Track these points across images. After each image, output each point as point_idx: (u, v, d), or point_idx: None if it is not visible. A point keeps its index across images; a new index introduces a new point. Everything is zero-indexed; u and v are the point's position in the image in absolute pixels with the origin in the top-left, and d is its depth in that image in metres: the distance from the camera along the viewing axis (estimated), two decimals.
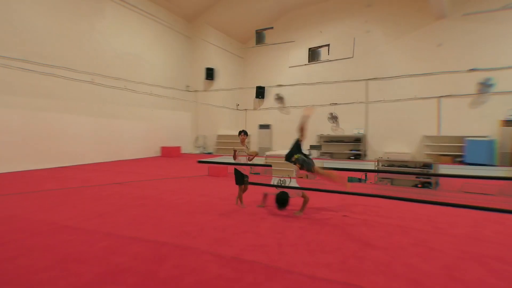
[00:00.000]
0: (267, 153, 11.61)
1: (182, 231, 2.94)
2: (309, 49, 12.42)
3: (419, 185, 5.52)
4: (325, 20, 12.00)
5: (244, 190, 4.35)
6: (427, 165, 5.38)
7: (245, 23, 12.43)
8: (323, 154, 11.18)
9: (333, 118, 12.05)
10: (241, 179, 4.34)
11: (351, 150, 10.81)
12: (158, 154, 11.63)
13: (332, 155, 11.12)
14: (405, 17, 10.29)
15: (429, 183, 5.46)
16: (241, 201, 4.22)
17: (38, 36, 7.50)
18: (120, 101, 10.01)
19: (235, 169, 4.48)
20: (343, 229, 3.07)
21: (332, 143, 11.11)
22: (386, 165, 5.82)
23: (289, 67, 12.93)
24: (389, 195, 4.59)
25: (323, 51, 11.58)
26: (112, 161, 9.44)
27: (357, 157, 10.59)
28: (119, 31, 9.96)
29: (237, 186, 4.31)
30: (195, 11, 12.96)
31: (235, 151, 4.53)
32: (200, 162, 9.27)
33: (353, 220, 3.39)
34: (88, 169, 7.69)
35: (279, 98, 11.93)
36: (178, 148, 11.70)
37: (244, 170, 4.46)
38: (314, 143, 11.50)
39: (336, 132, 11.89)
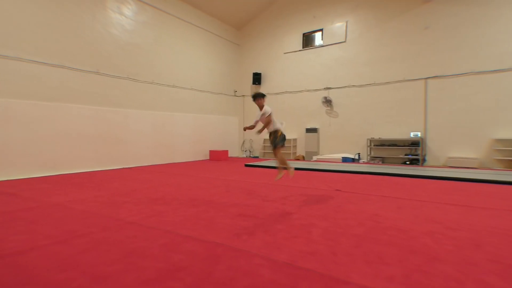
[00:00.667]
0: (315, 157, 11.55)
1: (232, 233, 2.99)
2: (303, 34, 12.20)
3: None
4: (318, 6, 11.85)
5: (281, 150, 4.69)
6: None
7: (240, 7, 12.52)
8: (373, 158, 10.59)
9: (327, 102, 11.56)
10: (281, 140, 4.65)
11: (406, 155, 10.07)
12: (207, 157, 12.08)
13: (383, 160, 10.48)
14: (394, 0, 10.19)
15: None
16: (284, 168, 4.67)
17: (108, 50, 8.33)
18: (172, 107, 10.65)
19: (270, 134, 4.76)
20: (405, 239, 2.86)
21: (384, 147, 10.48)
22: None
23: (284, 53, 12.76)
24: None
25: (317, 36, 11.82)
26: (165, 164, 10.05)
27: (414, 162, 9.82)
28: (175, 41, 10.62)
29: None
30: (243, 19, 13.31)
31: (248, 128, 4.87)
32: (247, 166, 9.49)
33: (415, 231, 3.13)
34: (146, 170, 8.30)
35: (327, 101, 11.63)
36: (225, 152, 12.03)
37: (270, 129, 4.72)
38: (364, 147, 10.96)
39: (332, 116, 11.53)
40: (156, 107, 9.98)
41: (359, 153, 10.90)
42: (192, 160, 11.45)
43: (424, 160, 9.78)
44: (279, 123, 4.74)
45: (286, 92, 12.78)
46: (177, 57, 10.75)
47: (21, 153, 6.63)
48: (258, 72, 13.39)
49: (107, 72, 8.39)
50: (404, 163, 9.99)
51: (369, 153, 10.76)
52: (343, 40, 11.33)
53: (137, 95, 9.30)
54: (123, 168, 8.69)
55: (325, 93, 11.81)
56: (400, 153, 10.21)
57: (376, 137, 10.66)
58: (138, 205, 4.15)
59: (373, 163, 10.18)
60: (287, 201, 4.52)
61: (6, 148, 6.38)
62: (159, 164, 9.82)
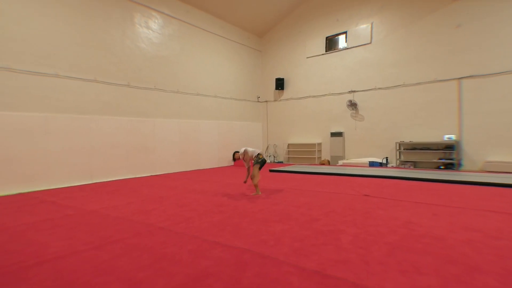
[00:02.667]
0: (341, 161, 11.31)
1: (259, 240, 2.99)
2: (326, 38, 12.02)
3: None
4: (341, 8, 11.63)
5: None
6: None
7: (261, 15, 12.60)
8: (403, 163, 10.18)
9: (352, 105, 11.20)
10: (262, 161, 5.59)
11: (440, 159, 9.58)
12: (231, 163, 12.19)
13: (415, 165, 10.04)
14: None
15: None
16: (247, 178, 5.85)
17: (137, 63, 8.74)
18: (197, 115, 10.90)
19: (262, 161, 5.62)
20: (442, 248, 2.71)
21: (415, 151, 10.04)
22: None
23: (307, 57, 12.61)
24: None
25: (340, 39, 11.62)
26: (191, 170, 10.28)
27: (449, 167, 9.31)
28: (199, 51, 10.94)
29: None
30: (265, 27, 13.46)
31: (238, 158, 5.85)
32: (272, 171, 9.47)
33: (453, 240, 2.97)
34: (173, 177, 8.54)
35: (352, 105, 11.39)
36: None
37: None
38: (392, 151, 10.57)
39: (358, 119, 11.20)
40: (182, 115, 10.27)
41: (387, 157, 10.53)
42: (217, 166, 11.61)
43: (460, 164, 9.25)
44: (256, 150, 5.78)
45: (310, 96, 12.69)
46: (201, 66, 11.04)
47: (60, 163, 7.06)
48: (281, 77, 13.42)
49: (137, 84, 8.78)
50: (438, 167, 9.51)
51: (398, 157, 10.37)
52: (369, 42, 11.08)
53: (163, 105, 9.63)
54: (152, 175, 9.00)
55: (349, 96, 11.57)
56: (433, 157, 9.74)
57: (407, 140, 10.25)
58: (166, 211, 4.28)
59: (403, 168, 9.79)
60: (313, 206, 4.47)
61: (46, 159, 6.83)
62: (185, 171, 10.05)
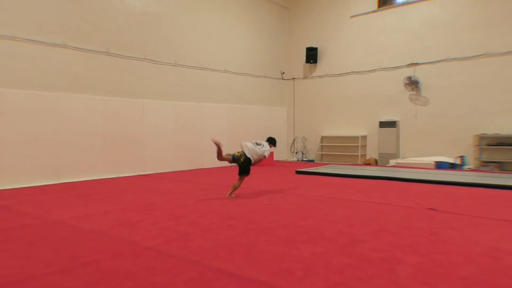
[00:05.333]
0: (394, 161, 11.06)
1: (281, 268, 2.90)
2: None
3: None
4: None
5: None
6: None
7: None
8: (485, 164, 9.81)
9: (412, 83, 10.85)
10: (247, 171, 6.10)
11: None
12: None
13: (501, 166, 9.65)
14: None
15: None
16: (232, 190, 6.21)
17: (119, 22, 8.79)
18: (200, 96, 10.90)
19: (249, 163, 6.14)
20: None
21: (502, 148, 9.66)
22: None
23: (351, 17, 12.26)
24: None
25: None
26: (191, 170, 10.32)
27: None
28: (204, 8, 10.90)
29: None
30: None
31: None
32: (299, 172, 9.37)
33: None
34: (167, 178, 8.59)
35: (412, 83, 11.05)
36: (270, 154, 11.98)
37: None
38: (469, 147, 10.22)
39: (420, 103, 10.88)
40: (180, 95, 10.29)
41: (462, 156, 10.22)
42: (227, 165, 11.54)
43: None
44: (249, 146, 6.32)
45: (352, 72, 12.45)
46: (206, 30, 10.97)
47: (15, 156, 7.16)
48: (314, 46, 13.18)
49: (119, 52, 8.81)
50: None
51: (478, 156, 10.04)
52: None
53: (156, 81, 9.65)
54: (139, 175, 9.07)
55: (409, 72, 11.25)
56: None
57: (490, 132, 9.89)
58: (157, 224, 4.27)
59: (485, 171, 9.46)
60: (355, 222, 4.35)
61: None
62: (183, 171, 10.09)
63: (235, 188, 6.17)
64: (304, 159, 13.56)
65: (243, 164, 6.05)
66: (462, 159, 10.24)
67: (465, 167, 10.17)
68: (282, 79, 13.93)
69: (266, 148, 6.32)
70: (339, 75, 12.81)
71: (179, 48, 10.23)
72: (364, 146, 12.37)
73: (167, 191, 6.73)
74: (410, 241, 3.61)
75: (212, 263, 2.98)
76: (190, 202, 5.72)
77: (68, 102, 7.90)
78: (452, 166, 10.12)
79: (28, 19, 7.35)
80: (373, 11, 11.99)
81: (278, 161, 12.78)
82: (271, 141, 6.61)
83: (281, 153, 13.40)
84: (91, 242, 3.61)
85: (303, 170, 9.55)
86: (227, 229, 4.07)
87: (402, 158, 11.38)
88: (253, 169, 10.74)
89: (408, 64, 11.31)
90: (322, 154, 13.37)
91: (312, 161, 13.25)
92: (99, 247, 3.45)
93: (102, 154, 8.49)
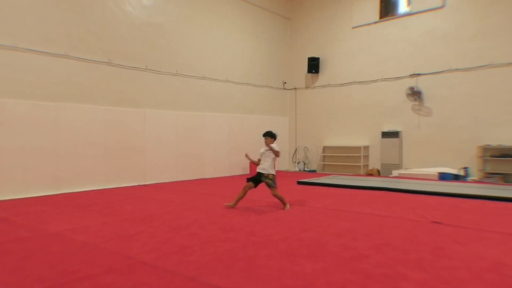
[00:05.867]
0: (397, 172, 10.95)
1: (281, 284, 2.81)
2: None
3: None
4: None
5: (275, 196, 5.98)
6: None
7: None
8: (489, 175, 9.69)
9: (414, 94, 10.75)
10: (255, 177, 5.98)
11: None
12: (247, 171, 12.07)
13: (506, 178, 9.54)
14: None
15: None
16: (236, 200, 6.05)
17: (121, 33, 8.80)
18: (202, 105, 10.88)
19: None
20: None
21: (506, 159, 9.55)
22: None
23: (353, 27, 12.25)
24: None
25: (400, 2, 11.21)
26: (192, 180, 10.25)
27: None
28: (206, 19, 10.91)
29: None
30: None
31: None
32: (300, 183, 9.27)
33: None
34: (168, 188, 8.53)
35: (415, 93, 10.98)
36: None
37: (261, 169, 6.00)
38: (473, 159, 10.11)
39: (422, 114, 10.81)
40: (181, 105, 10.27)
41: (466, 167, 10.10)
42: (228, 175, 11.52)
43: None
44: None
45: (354, 82, 12.42)
46: (207, 40, 11.00)
47: (15, 166, 7.08)
48: (316, 56, 13.19)
49: (121, 62, 8.81)
50: None
51: (482, 167, 9.94)
52: (439, 5, 10.67)
53: (157, 91, 9.65)
54: (139, 185, 9.02)
55: (411, 82, 11.20)
56: None
57: (494, 143, 9.79)
58: (155, 237, 4.19)
59: (490, 183, 9.35)
60: (358, 236, 4.27)
61: None
62: (184, 181, 10.03)
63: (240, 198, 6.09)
64: (306, 169, 13.45)
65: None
66: (465, 171, 10.12)
67: (469, 178, 10.05)
68: (284, 88, 13.92)
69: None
70: (341, 85, 12.77)
71: (180, 58, 10.23)
72: (366, 157, 12.28)
73: (167, 202, 6.66)
74: (414, 256, 3.52)
75: (209, 279, 2.88)
76: (190, 212, 5.65)
77: (69, 112, 7.86)
78: (456, 178, 10.01)
79: (30, 29, 7.36)
80: (375, 22, 11.99)
81: (279, 171, 12.69)
82: (271, 136, 6.17)
83: (282, 163, 13.31)
84: (86, 255, 3.53)
85: (304, 181, 9.45)
86: (227, 242, 3.99)
87: (405, 168, 11.28)
88: None
89: (410, 75, 11.26)
90: (324, 164, 13.27)
91: (314, 171, 13.15)
92: (94, 261, 3.36)
93: (103, 164, 8.43)
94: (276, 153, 5.97)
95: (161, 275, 2.98)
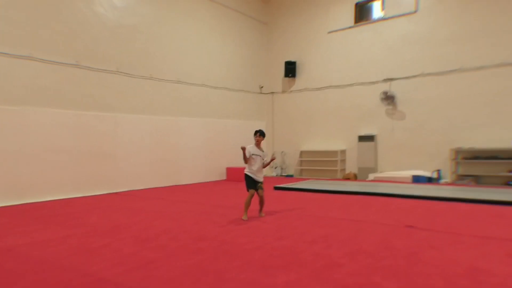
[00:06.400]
0: (372, 175, 10.99)
1: None
2: (356, 4, 11.87)
3: None
4: None
5: (260, 197, 5.67)
6: None
7: None
8: (461, 177, 9.84)
9: (388, 98, 10.90)
10: (252, 184, 5.55)
11: (511, 172, 9.25)
12: (223, 177, 11.90)
13: (478, 180, 9.69)
14: None
15: None
16: (260, 212, 5.79)
17: (92, 34, 8.48)
18: (177, 110, 10.64)
19: (246, 175, 5.62)
20: None
21: (478, 161, 9.70)
22: None
23: (328, 32, 12.36)
24: None
25: (375, 7, 11.41)
26: (167, 186, 9.99)
27: None
28: (181, 21, 10.72)
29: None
30: None
31: (243, 149, 5.50)
32: (277, 188, 9.15)
33: None
34: (140, 196, 8.23)
35: (388, 98, 11.07)
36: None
37: (258, 177, 5.59)
38: (446, 161, 10.24)
39: (396, 118, 10.97)
40: (156, 110, 10.00)
41: (439, 170, 10.23)
42: (204, 181, 11.31)
43: None
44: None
45: (331, 86, 12.44)
46: (183, 43, 10.79)
47: None
48: (292, 60, 13.17)
49: (91, 65, 8.47)
50: (507, 183, 9.26)
51: (454, 170, 10.06)
52: (413, 10, 10.83)
53: (130, 95, 9.34)
54: (110, 193, 8.65)
55: (385, 86, 11.29)
56: (502, 170, 9.43)
57: (466, 146, 9.93)
58: (119, 250, 3.94)
59: (462, 185, 9.48)
60: (333, 243, 4.18)
61: None
62: (158, 187, 9.75)
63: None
64: (283, 174, 13.37)
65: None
66: (438, 173, 10.24)
67: (442, 180, 10.18)
68: (261, 93, 13.82)
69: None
70: (318, 89, 12.78)
71: (155, 61, 9.98)
72: (343, 161, 12.29)
73: (137, 211, 6.38)
74: (388, 263, 3.45)
75: None
76: (161, 222, 5.42)
77: (32, 117, 7.45)
78: (429, 180, 10.12)
79: None
80: (350, 27, 12.07)
81: None
82: (263, 134, 5.79)
83: None
84: (39, 274, 3.24)
85: (281, 186, 9.35)
86: (197, 253, 3.80)
87: (380, 172, 11.34)
88: (228, 184, 10.58)
89: (384, 79, 11.35)
90: (301, 169, 13.21)
91: (291, 176, 13.07)
92: (47, 281, 3.08)
93: (70, 172, 8.03)
94: (266, 166, 5.75)
95: None
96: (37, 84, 7.59)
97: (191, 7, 11.03)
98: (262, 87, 13.82)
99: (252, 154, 5.54)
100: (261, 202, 5.74)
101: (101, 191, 8.58)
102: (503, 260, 3.47)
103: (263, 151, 5.69)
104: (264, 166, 5.69)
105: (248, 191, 5.59)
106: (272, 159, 5.81)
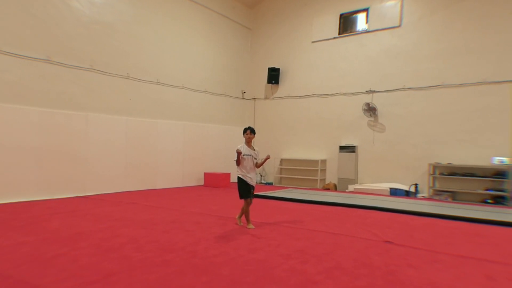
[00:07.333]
0: (352, 187, 10.90)
1: None
2: (341, 15, 11.85)
3: None
4: None
5: (249, 204, 5.35)
6: None
7: None
8: (438, 193, 9.84)
9: (370, 110, 10.94)
10: (246, 191, 5.28)
11: (487, 190, 9.30)
12: (201, 182, 11.61)
13: (454, 196, 9.72)
14: None
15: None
16: (239, 218, 5.56)
17: (64, 29, 8.09)
18: (155, 112, 10.32)
19: (239, 178, 5.36)
20: None
21: (455, 178, 9.74)
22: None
23: (312, 41, 12.40)
24: None
25: (359, 19, 11.53)
26: (142, 190, 9.61)
27: (499, 201, 9.02)
28: (162, 21, 10.44)
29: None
30: None
31: (239, 153, 5.20)
32: (256, 196, 8.90)
33: None
34: (111, 200, 7.85)
35: (370, 109, 11.05)
36: (227, 176, 11.53)
37: (251, 180, 5.33)
38: (424, 176, 10.25)
39: (377, 130, 11.03)
40: (132, 111, 9.65)
41: (416, 184, 10.22)
42: (180, 185, 11.00)
43: None
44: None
45: (314, 95, 12.37)
46: (164, 44, 10.50)
47: None
48: (276, 67, 13.05)
49: (62, 61, 8.03)
50: (485, 201, 9.27)
51: (432, 185, 10.06)
52: (397, 25, 10.87)
53: (105, 94, 8.95)
54: (79, 196, 8.20)
55: (367, 98, 11.27)
56: (478, 187, 9.48)
57: (444, 162, 9.96)
58: (76, 261, 3.60)
59: (439, 200, 9.48)
60: (309, 257, 3.98)
61: None
62: (132, 191, 9.37)
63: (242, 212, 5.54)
64: (263, 181, 13.16)
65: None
66: (416, 187, 10.23)
67: (419, 195, 10.16)
68: (243, 98, 13.64)
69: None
70: (300, 97, 12.69)
71: (133, 61, 9.64)
72: (323, 170, 12.19)
73: (105, 216, 6.00)
74: (366, 283, 3.27)
75: None
76: (128, 230, 5.08)
77: None
78: (407, 194, 10.10)
79: None
80: (334, 38, 12.05)
81: (235, 182, 12.30)
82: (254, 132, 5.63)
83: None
84: None
85: (259, 194, 9.11)
86: (162, 266, 3.51)
87: (360, 183, 11.28)
88: (205, 190, 10.27)
89: (366, 91, 11.34)
90: (281, 177, 13.05)
91: (270, 183, 12.88)
92: None
93: (34, 172, 7.56)
94: (260, 166, 5.56)
95: None
96: (2, 78, 7.12)
97: (174, 8, 10.78)
98: (244, 92, 13.65)
99: (244, 155, 5.27)
100: (246, 212, 5.47)
101: (68, 194, 8.11)
102: (483, 283, 3.34)
103: (254, 150, 5.44)
104: (258, 166, 5.46)
105: (240, 198, 5.41)
106: (266, 158, 5.52)
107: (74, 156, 8.26)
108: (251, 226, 5.39)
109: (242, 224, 5.54)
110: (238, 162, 5.27)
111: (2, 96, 7.14)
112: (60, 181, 8.00)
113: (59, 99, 8.05)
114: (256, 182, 12.70)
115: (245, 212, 5.44)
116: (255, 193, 5.88)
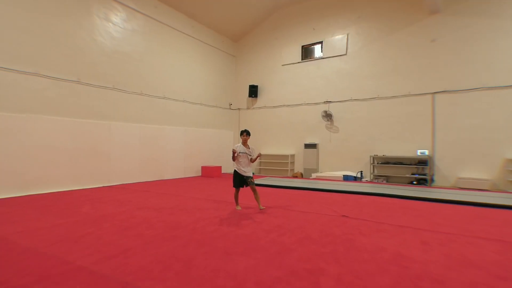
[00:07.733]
0: (314, 174, 10.86)
1: (214, 286, 2.24)
2: (302, 46, 11.88)
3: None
4: (318, 17, 11.51)
5: (253, 190, 5.10)
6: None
7: (237, 19, 12.20)
8: (376, 177, 9.91)
9: (327, 116, 10.99)
10: (237, 183, 5.05)
11: (412, 174, 9.39)
12: (199, 173, 11.33)
13: (387, 179, 9.80)
14: (398, 12, 9.89)
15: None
16: (236, 203, 5.26)
17: (91, 58, 7.70)
18: (162, 120, 9.98)
19: (234, 171, 5.08)
20: None
21: (388, 165, 9.83)
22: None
23: (282, 65, 12.39)
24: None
25: (316, 49, 11.63)
26: (153, 181, 9.29)
27: (421, 182, 9.13)
28: (168, 51, 10.11)
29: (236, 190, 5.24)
30: (240, 31, 12.91)
31: (234, 152, 4.94)
32: None
33: (455, 282, 2.39)
34: (129, 189, 7.54)
35: (327, 116, 11.04)
36: (219, 168, 11.29)
37: (245, 172, 5.02)
38: (367, 165, 10.29)
39: (333, 131, 11.04)
40: (145, 119, 9.30)
41: (361, 171, 10.24)
42: (183, 176, 10.69)
43: (432, 180, 9.10)
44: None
45: (284, 105, 12.24)
46: (169, 68, 10.17)
47: None
48: (255, 84, 12.87)
49: (90, 82, 7.70)
50: (411, 182, 9.35)
51: (372, 171, 10.11)
52: (344, 53, 10.88)
53: (123, 107, 8.61)
54: (104, 186, 7.87)
55: (325, 107, 11.24)
56: (406, 172, 9.56)
57: (380, 154, 10.03)
58: (100, 239, 3.38)
59: (377, 182, 9.50)
60: (285, 231, 3.84)
61: None
62: (146, 182, 9.04)
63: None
64: None
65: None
66: (361, 173, 10.27)
67: (364, 179, 10.20)
68: (230, 109, 13.40)
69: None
70: (274, 107, 12.55)
71: (145, 81, 9.29)
72: (292, 163, 12.10)
73: (124, 202, 5.74)
74: (330, 249, 3.17)
75: (143, 284, 2.22)
76: (143, 212, 4.84)
77: (37, 122, 6.58)
78: (355, 179, 10.11)
79: (4, 51, 6.14)
80: (298, 62, 11.97)
81: (225, 173, 12.09)
82: (249, 134, 5.26)
83: (228, 167, 12.72)
84: (22, 262, 2.65)
85: None
86: (170, 241, 3.32)
87: (320, 172, 11.23)
88: (202, 179, 10.03)
89: (324, 101, 11.32)
90: (260, 169, 12.89)
91: (252, 173, 12.67)
92: (29, 268, 2.52)
93: (70, 168, 7.18)
94: (254, 161, 5.25)
95: (95, 282, 2.26)
96: (42, 95, 6.72)
97: (176, 41, 10.46)
98: (231, 104, 13.42)
99: (240, 153, 5.01)
100: (255, 195, 5.14)
101: (96, 185, 7.76)
102: (420, 247, 3.28)
103: (249, 148, 5.15)
104: (252, 161, 5.16)
105: (233, 187, 5.20)
106: (258, 156, 5.25)
107: (100, 155, 7.89)
108: (239, 207, 5.24)
109: (240, 208, 5.24)
110: (233, 158, 5.02)
111: (44, 109, 6.75)
112: (89, 174, 7.63)
113: (88, 111, 7.66)
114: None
115: (235, 197, 5.30)
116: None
